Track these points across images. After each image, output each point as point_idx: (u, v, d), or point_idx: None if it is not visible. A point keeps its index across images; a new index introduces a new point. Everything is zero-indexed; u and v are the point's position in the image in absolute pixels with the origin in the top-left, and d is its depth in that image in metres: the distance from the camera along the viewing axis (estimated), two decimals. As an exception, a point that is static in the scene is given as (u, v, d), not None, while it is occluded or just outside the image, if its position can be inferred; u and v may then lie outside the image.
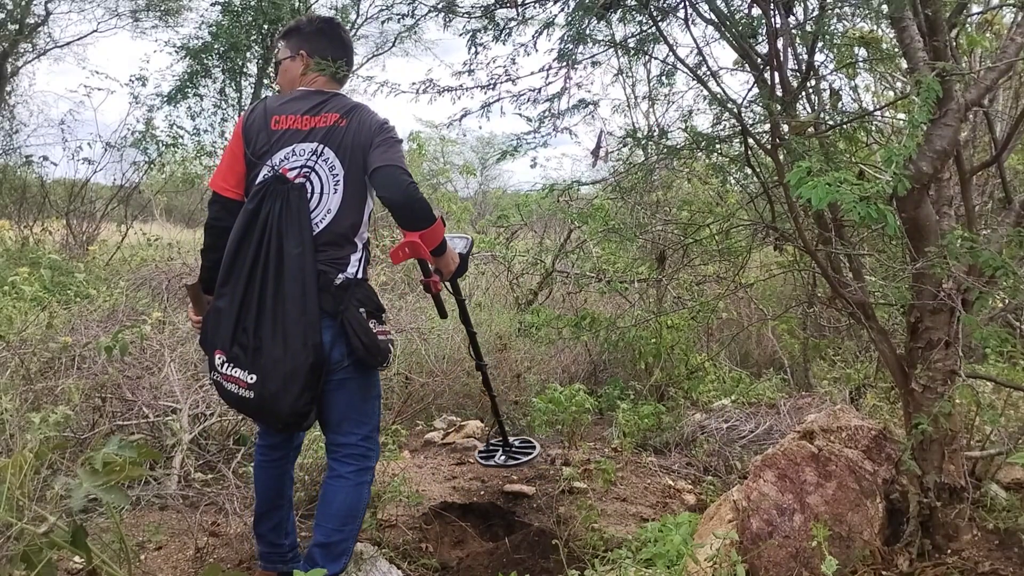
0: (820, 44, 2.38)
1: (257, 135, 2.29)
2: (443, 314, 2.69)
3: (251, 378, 2.14)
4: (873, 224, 1.91)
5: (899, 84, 3.35)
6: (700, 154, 2.83)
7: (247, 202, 2.24)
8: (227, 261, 2.22)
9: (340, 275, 2.21)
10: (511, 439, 3.25)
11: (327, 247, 2.21)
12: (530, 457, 3.15)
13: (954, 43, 2.48)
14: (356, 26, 9.87)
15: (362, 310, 2.22)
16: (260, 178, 2.25)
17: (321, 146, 2.23)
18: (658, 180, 4.50)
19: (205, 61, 9.17)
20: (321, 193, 2.22)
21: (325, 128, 2.24)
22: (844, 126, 2.52)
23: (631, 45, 2.45)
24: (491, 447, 3.24)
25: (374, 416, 2.36)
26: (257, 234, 2.19)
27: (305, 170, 2.23)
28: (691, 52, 2.47)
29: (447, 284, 2.58)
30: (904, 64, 2.45)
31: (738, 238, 3.37)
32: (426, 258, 2.28)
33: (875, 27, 2.59)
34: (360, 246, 2.27)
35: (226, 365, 2.19)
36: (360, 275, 2.26)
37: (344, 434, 2.29)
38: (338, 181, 2.22)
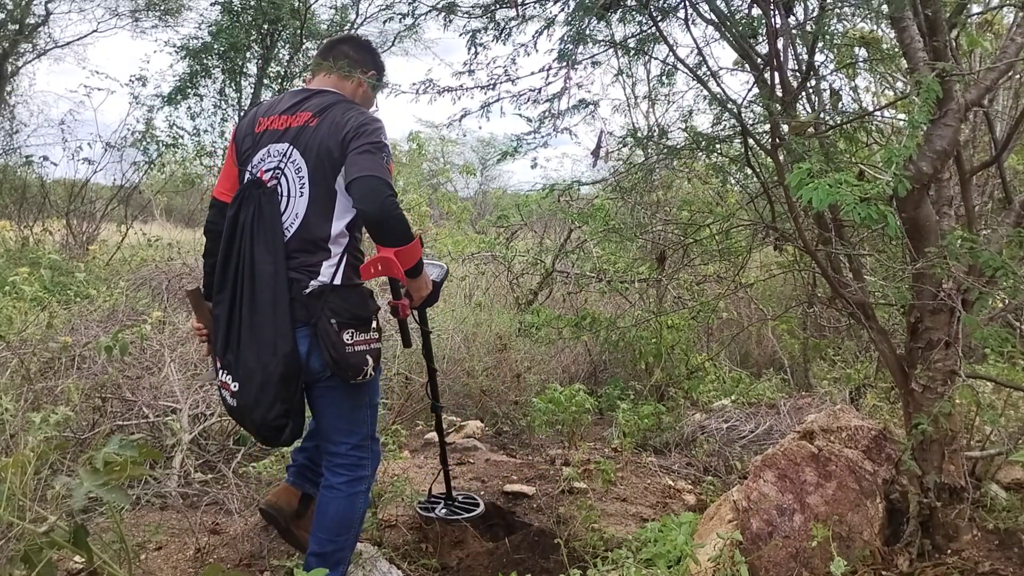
0: (820, 44, 2.39)
1: (244, 139, 2.28)
2: (407, 343, 2.55)
3: (235, 385, 2.14)
4: (873, 225, 1.91)
5: (899, 84, 3.35)
6: (700, 154, 2.83)
7: (229, 208, 2.22)
8: (219, 268, 2.21)
9: (312, 282, 2.12)
10: (455, 494, 3.05)
11: (298, 254, 2.14)
12: (472, 514, 2.92)
13: (954, 43, 2.48)
14: (356, 26, 9.85)
15: (333, 321, 2.11)
16: (242, 182, 2.24)
17: (290, 147, 2.17)
18: (658, 180, 4.50)
19: (205, 61, 9.16)
20: (289, 196, 2.16)
21: (296, 128, 2.18)
22: (844, 126, 2.52)
23: (631, 45, 2.45)
24: (432, 500, 3.02)
25: (365, 425, 2.30)
26: (237, 241, 2.16)
27: (276, 172, 2.18)
28: (691, 52, 2.47)
29: (414, 312, 2.46)
30: (904, 64, 2.45)
31: (738, 238, 3.37)
32: (399, 277, 2.17)
33: (875, 27, 2.59)
34: (336, 252, 2.16)
35: (222, 372, 2.19)
36: (337, 282, 2.15)
37: (334, 443, 2.27)
38: (303, 184, 2.14)
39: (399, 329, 2.51)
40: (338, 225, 2.16)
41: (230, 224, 2.18)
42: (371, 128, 2.12)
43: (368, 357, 2.17)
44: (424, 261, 2.30)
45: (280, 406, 2.10)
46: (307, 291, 2.12)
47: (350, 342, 2.13)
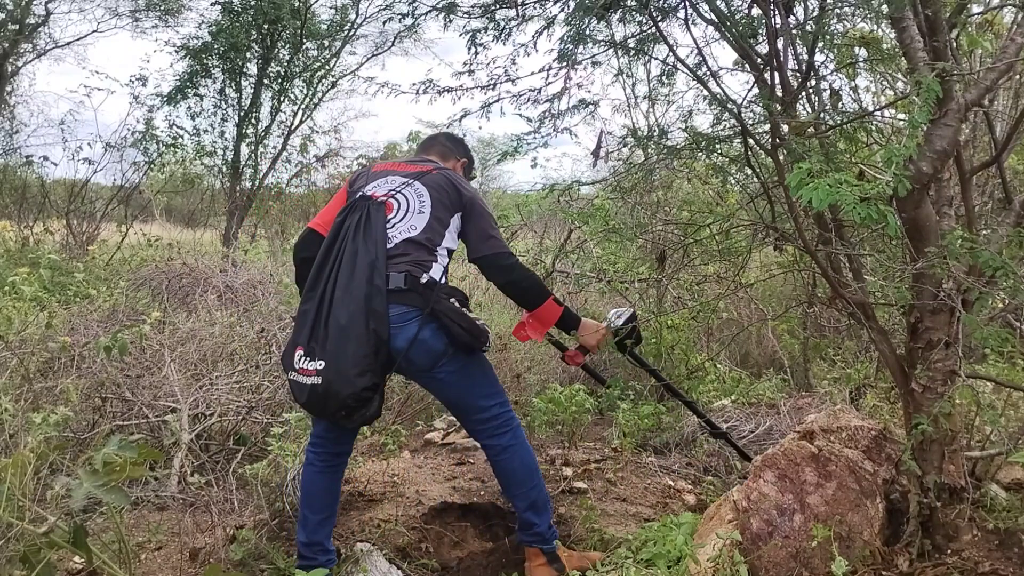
0: (820, 44, 2.38)
1: (356, 180, 2.60)
2: (601, 381, 3.00)
3: (319, 364, 2.25)
4: (873, 224, 1.91)
5: (899, 84, 3.35)
6: (700, 154, 2.83)
7: (336, 217, 2.48)
8: (315, 268, 2.42)
9: (425, 275, 2.36)
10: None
11: (412, 252, 2.39)
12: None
13: (954, 43, 2.47)
14: (356, 26, 9.85)
15: (453, 300, 2.38)
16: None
17: (411, 180, 2.49)
18: (658, 180, 4.49)
19: (205, 61, 9.16)
20: (407, 211, 2.44)
21: (418, 171, 2.53)
22: (844, 126, 2.52)
23: (631, 45, 2.45)
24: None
25: (498, 385, 2.53)
26: (339, 241, 2.40)
27: (392, 192, 2.47)
28: (691, 52, 2.47)
29: (628, 357, 2.87)
30: (904, 64, 2.45)
31: (738, 238, 3.37)
32: (537, 339, 2.53)
33: (875, 27, 2.59)
34: (441, 263, 2.43)
35: (302, 359, 2.30)
36: (443, 282, 2.42)
37: (483, 409, 2.47)
38: (424, 204, 2.45)
39: (589, 375, 3.04)
40: (445, 245, 2.46)
41: (335, 229, 2.44)
42: (480, 202, 2.53)
43: (486, 329, 2.43)
44: (614, 311, 2.81)
45: (369, 376, 2.23)
46: (423, 281, 2.35)
47: (471, 316, 2.40)
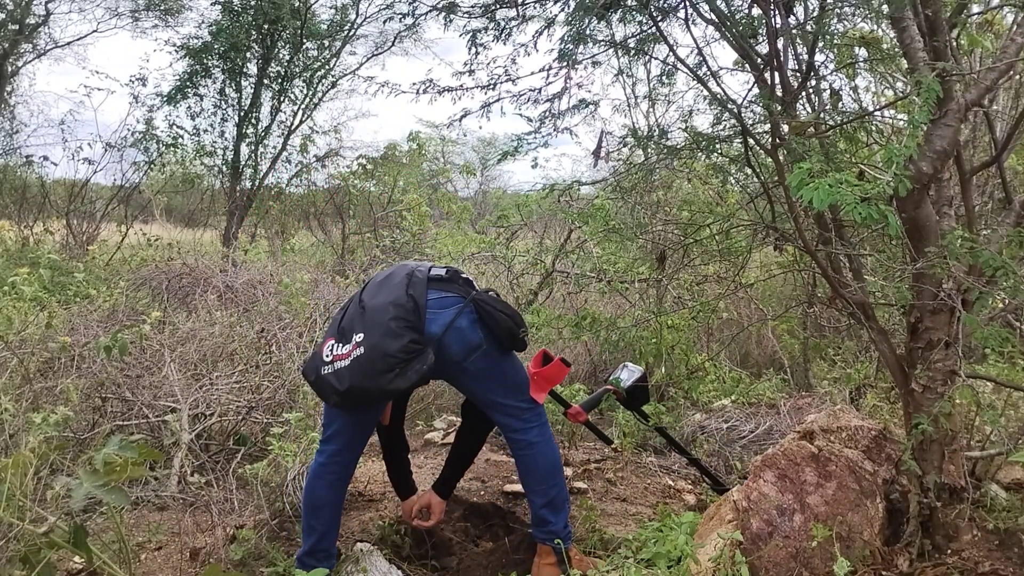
0: (820, 44, 2.38)
1: None
2: (607, 441, 3.06)
3: (359, 336, 2.25)
4: (873, 224, 1.91)
5: (899, 84, 3.35)
6: (700, 154, 2.83)
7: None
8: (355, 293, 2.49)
9: (466, 274, 2.48)
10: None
11: (451, 267, 2.51)
12: None
13: (954, 43, 2.47)
14: (356, 26, 9.84)
15: (491, 292, 2.46)
16: None
17: None
18: (658, 180, 4.49)
19: (205, 61, 9.16)
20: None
21: None
22: (844, 126, 2.52)
23: (631, 45, 2.45)
24: None
25: (528, 384, 2.55)
26: (381, 272, 2.53)
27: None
28: (691, 52, 2.47)
29: (635, 414, 2.93)
30: (904, 64, 2.45)
31: (738, 238, 3.36)
32: (541, 392, 2.55)
33: (875, 27, 2.59)
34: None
35: (335, 347, 2.29)
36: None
37: (513, 405, 2.50)
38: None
39: (594, 433, 3.09)
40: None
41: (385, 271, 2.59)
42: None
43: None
44: (620, 368, 2.91)
45: (413, 334, 2.25)
46: (463, 275, 2.46)
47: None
